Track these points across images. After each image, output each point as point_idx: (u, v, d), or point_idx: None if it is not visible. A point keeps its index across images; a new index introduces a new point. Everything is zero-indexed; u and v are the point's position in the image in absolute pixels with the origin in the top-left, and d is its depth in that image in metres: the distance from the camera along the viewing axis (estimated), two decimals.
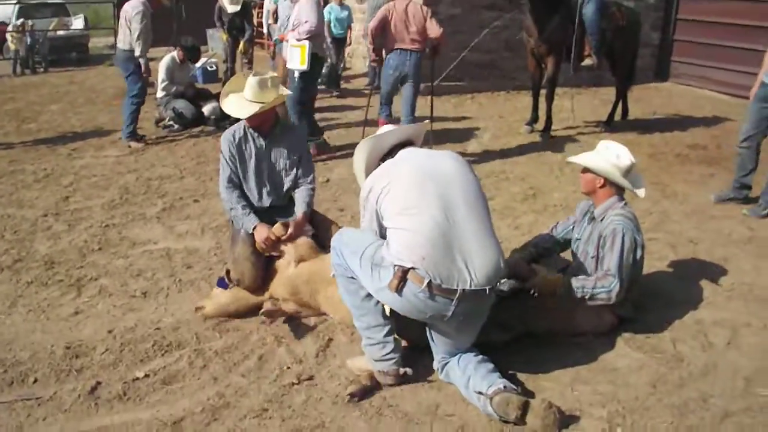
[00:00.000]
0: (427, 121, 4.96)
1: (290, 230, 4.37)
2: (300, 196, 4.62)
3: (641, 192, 4.26)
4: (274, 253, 4.44)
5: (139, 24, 8.34)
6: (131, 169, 7.75)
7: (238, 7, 11.59)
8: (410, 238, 3.33)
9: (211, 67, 13.32)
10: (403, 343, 3.77)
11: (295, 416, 3.44)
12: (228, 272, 4.47)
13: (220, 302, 4.40)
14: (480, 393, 3.39)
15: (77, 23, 22.03)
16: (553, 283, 3.94)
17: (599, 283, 3.85)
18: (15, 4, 21.47)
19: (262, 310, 4.24)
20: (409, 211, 3.39)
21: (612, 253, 3.92)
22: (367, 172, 3.85)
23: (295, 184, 4.66)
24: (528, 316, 3.99)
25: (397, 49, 7.66)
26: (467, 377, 3.49)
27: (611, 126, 9.70)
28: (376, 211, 3.55)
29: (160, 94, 9.63)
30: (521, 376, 3.72)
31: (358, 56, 14.18)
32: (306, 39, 7.34)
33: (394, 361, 3.63)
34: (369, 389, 3.60)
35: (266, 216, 4.50)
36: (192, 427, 3.38)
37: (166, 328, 4.30)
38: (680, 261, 5.27)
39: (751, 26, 11.81)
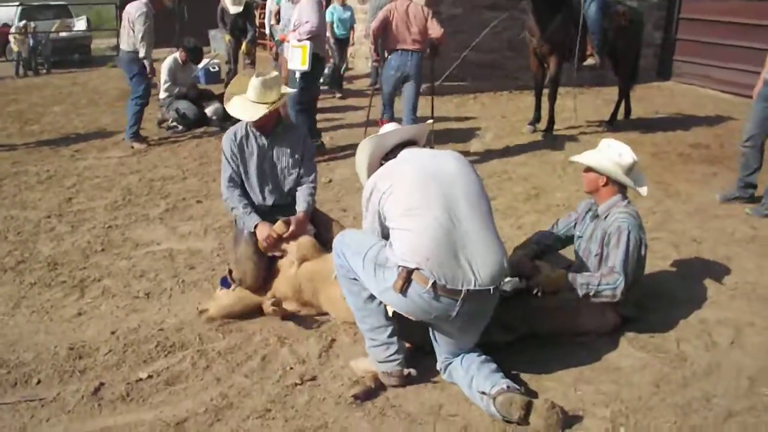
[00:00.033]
0: (431, 121, 4.95)
1: (291, 228, 4.36)
2: (301, 195, 4.63)
3: (643, 190, 4.26)
4: (276, 253, 4.44)
5: (143, 25, 8.36)
6: (134, 170, 7.76)
7: (240, 8, 11.59)
8: (414, 238, 3.33)
9: (214, 68, 13.34)
10: (406, 344, 3.77)
11: (298, 417, 3.44)
12: (231, 272, 4.47)
13: (224, 303, 4.40)
14: (483, 393, 3.39)
15: (80, 25, 22.11)
16: (556, 279, 3.93)
17: (604, 280, 3.84)
18: (17, 5, 21.53)
19: (268, 304, 4.25)
20: (412, 212, 3.38)
21: (617, 250, 3.91)
22: (369, 171, 3.85)
23: (297, 183, 4.67)
24: (531, 317, 3.99)
25: (398, 49, 7.68)
26: (470, 377, 3.49)
27: (614, 125, 9.69)
28: (379, 212, 3.55)
29: (162, 95, 9.65)
30: (524, 376, 3.72)
31: (361, 56, 14.19)
32: (307, 39, 7.34)
33: (398, 362, 3.63)
34: (373, 391, 3.59)
35: (269, 215, 4.50)
36: (195, 427, 3.38)
37: (169, 329, 4.30)
38: (683, 260, 5.26)
39: (753, 25, 11.79)
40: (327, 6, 12.80)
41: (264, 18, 14.92)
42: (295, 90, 6.75)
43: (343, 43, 12.27)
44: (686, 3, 13.63)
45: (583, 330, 4.05)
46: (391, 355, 3.62)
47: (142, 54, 8.47)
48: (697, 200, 6.69)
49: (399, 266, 3.33)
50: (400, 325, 3.65)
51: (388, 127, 4.03)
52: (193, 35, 11.28)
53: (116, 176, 7.55)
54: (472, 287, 3.30)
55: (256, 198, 4.61)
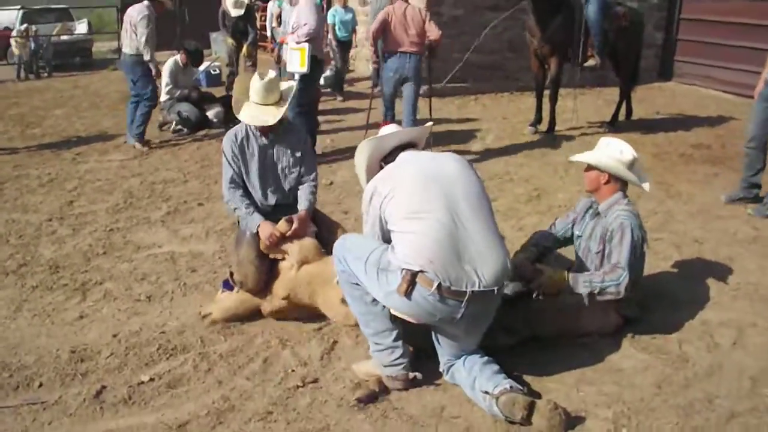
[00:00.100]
0: (430, 123, 4.95)
1: (294, 226, 4.36)
2: (303, 194, 4.63)
3: (646, 186, 4.27)
4: (278, 256, 4.44)
5: (145, 28, 8.39)
6: (135, 173, 7.77)
7: (242, 11, 11.60)
8: (417, 241, 3.33)
9: (215, 70, 13.35)
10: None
11: (300, 419, 3.44)
12: (232, 274, 4.47)
13: (226, 306, 4.40)
14: (486, 393, 3.38)
15: (81, 28, 22.14)
16: (558, 281, 3.93)
17: (607, 277, 3.83)
18: (19, 9, 21.55)
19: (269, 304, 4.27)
20: (415, 215, 3.38)
21: (621, 247, 3.91)
22: (368, 174, 3.85)
23: (298, 182, 4.67)
24: (533, 320, 3.98)
25: (396, 51, 7.72)
26: (473, 378, 3.48)
27: (615, 126, 9.68)
28: (380, 216, 3.54)
29: (163, 97, 9.65)
30: (526, 378, 3.71)
31: (362, 59, 14.20)
32: (305, 41, 7.36)
33: (403, 366, 3.62)
34: (376, 394, 3.59)
35: (272, 216, 4.49)
36: (197, 430, 3.38)
37: (170, 331, 4.30)
38: (685, 261, 5.26)
39: (754, 25, 11.79)
40: (328, 8, 12.85)
41: (264, 20, 14.96)
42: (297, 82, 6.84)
43: (345, 45, 12.24)
44: (687, 3, 13.63)
45: (585, 331, 4.05)
46: (396, 359, 3.62)
47: (147, 57, 8.51)
48: (699, 201, 6.68)
49: (402, 269, 3.32)
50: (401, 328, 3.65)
51: (387, 129, 4.02)
52: (194, 38, 11.31)
53: (117, 179, 7.55)
54: (476, 288, 3.30)
55: (258, 198, 4.61)
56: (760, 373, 3.77)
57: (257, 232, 4.38)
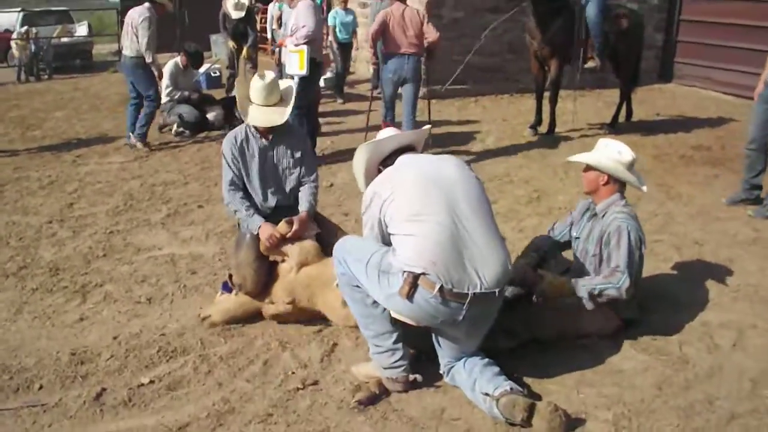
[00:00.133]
0: (428, 126, 4.97)
1: (294, 227, 4.36)
2: (303, 195, 4.64)
3: (645, 187, 4.27)
4: (277, 258, 4.44)
5: (147, 30, 8.41)
6: (135, 176, 7.77)
7: (242, 13, 11.60)
8: (419, 243, 3.32)
9: (215, 73, 13.35)
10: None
11: (300, 421, 3.44)
12: (231, 276, 4.47)
13: (226, 308, 4.40)
14: (486, 394, 3.38)
15: (81, 30, 22.14)
16: (559, 287, 3.94)
17: (607, 280, 3.84)
18: (19, 11, 21.56)
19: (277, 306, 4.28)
20: (416, 218, 3.38)
21: (619, 250, 3.91)
22: (367, 177, 3.85)
23: (299, 183, 4.67)
24: (534, 323, 3.98)
25: (395, 53, 7.77)
26: (473, 380, 3.48)
27: (615, 128, 9.67)
28: (380, 220, 3.53)
29: (164, 99, 9.65)
30: (526, 380, 3.71)
31: (362, 61, 14.20)
32: (304, 44, 7.37)
33: (403, 368, 3.62)
34: (377, 396, 3.59)
35: (272, 218, 4.50)
36: None
37: (171, 333, 4.30)
38: (685, 262, 5.26)
39: (754, 26, 11.79)
40: (328, 10, 12.85)
41: (265, 22, 14.96)
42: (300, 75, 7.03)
43: (345, 47, 12.23)
44: (687, 5, 13.63)
45: (585, 333, 4.05)
46: (396, 361, 3.61)
47: (149, 59, 8.53)
48: (699, 202, 6.68)
49: (404, 272, 3.31)
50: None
51: (385, 132, 4.02)
52: (194, 40, 11.31)
53: (118, 181, 7.55)
54: (478, 290, 3.30)
55: (259, 200, 4.62)
56: (760, 375, 3.77)
57: (257, 235, 4.38)
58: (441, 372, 3.68)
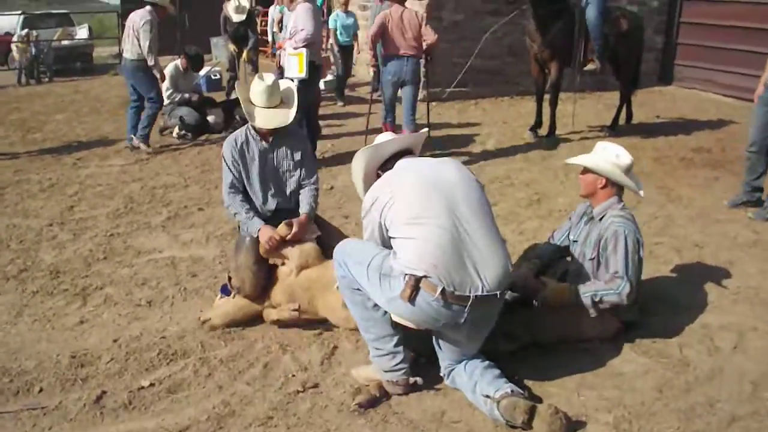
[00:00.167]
0: (425, 129, 4.98)
1: (294, 229, 4.36)
2: (304, 198, 4.64)
3: (643, 192, 4.27)
4: (277, 261, 4.44)
5: (149, 33, 8.42)
6: (136, 178, 7.77)
7: (243, 17, 11.62)
8: (421, 246, 3.32)
9: (215, 75, 13.36)
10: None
11: (301, 424, 3.44)
12: (230, 279, 4.47)
13: (226, 311, 4.40)
14: (487, 396, 3.38)
15: (81, 33, 22.19)
16: (561, 293, 3.94)
17: (608, 286, 3.84)
18: (20, 14, 21.61)
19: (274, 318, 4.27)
20: (416, 221, 3.37)
21: (616, 255, 3.91)
22: (366, 182, 3.86)
23: (299, 185, 4.67)
24: (534, 326, 3.98)
25: (395, 55, 7.84)
26: (474, 382, 3.48)
27: (616, 130, 9.67)
28: (380, 223, 3.53)
29: (164, 102, 9.66)
30: (527, 382, 3.71)
31: (362, 63, 14.19)
32: (303, 47, 7.39)
33: (404, 371, 3.62)
34: (377, 399, 3.58)
35: (273, 221, 4.49)
36: None
37: (171, 336, 4.30)
38: (685, 265, 5.26)
39: (754, 28, 11.79)
40: (329, 13, 12.84)
41: (265, 25, 14.97)
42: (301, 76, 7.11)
43: (346, 50, 12.21)
44: (687, 7, 13.63)
45: (585, 337, 4.04)
46: (397, 365, 3.61)
47: (151, 62, 8.55)
48: (699, 205, 6.68)
49: (406, 275, 3.31)
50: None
51: (383, 137, 4.02)
52: (194, 43, 11.33)
53: (118, 184, 7.56)
54: (479, 293, 3.30)
55: (259, 202, 4.62)
56: (760, 377, 3.77)
57: (256, 238, 4.38)
58: (441, 375, 3.68)
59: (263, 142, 4.57)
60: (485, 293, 3.31)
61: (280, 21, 11.80)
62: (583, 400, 3.59)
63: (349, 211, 6.51)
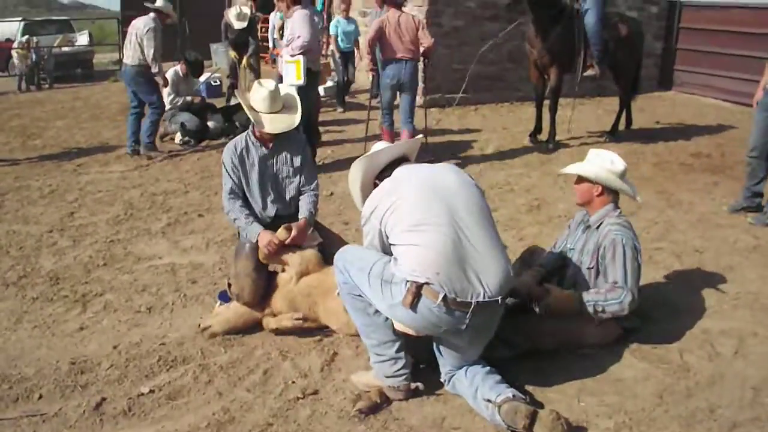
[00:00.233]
0: (420, 136, 4.98)
1: (293, 233, 4.36)
2: (304, 203, 4.64)
3: (639, 197, 4.27)
4: (277, 267, 4.44)
5: (152, 40, 8.45)
6: (136, 185, 7.78)
7: (245, 24, 11.65)
8: (422, 253, 3.32)
9: (215, 82, 13.38)
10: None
11: (301, 431, 3.43)
12: (230, 285, 4.47)
13: (226, 318, 4.39)
14: (488, 401, 3.38)
15: (82, 39, 22.18)
16: (565, 300, 3.94)
17: (609, 296, 3.85)
18: (20, 20, 21.63)
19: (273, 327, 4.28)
20: (417, 228, 3.37)
21: (615, 265, 3.91)
22: (363, 191, 3.86)
23: (298, 192, 4.68)
24: (534, 333, 3.98)
25: (393, 59, 7.93)
26: (475, 387, 3.48)
27: (615, 136, 9.69)
28: (380, 231, 3.53)
29: (166, 107, 9.66)
30: (527, 388, 3.70)
31: (362, 69, 14.20)
32: (299, 54, 7.41)
33: (405, 376, 3.62)
34: (378, 405, 3.58)
35: (272, 227, 4.49)
36: None
37: (171, 343, 4.30)
38: (686, 270, 5.26)
39: (753, 34, 11.83)
40: (329, 20, 12.85)
41: (266, 32, 14.98)
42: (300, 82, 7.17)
43: (347, 56, 12.20)
44: (686, 13, 13.67)
45: (585, 344, 4.04)
46: (398, 370, 3.61)
47: (155, 69, 8.58)
48: (699, 210, 6.68)
49: (407, 281, 3.31)
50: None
51: (379, 146, 4.02)
52: (194, 49, 11.35)
53: (118, 190, 7.56)
54: (481, 299, 3.29)
55: (258, 208, 4.62)
56: (761, 383, 3.77)
57: (256, 245, 4.38)
58: (442, 380, 3.68)
59: (263, 148, 4.58)
60: (486, 299, 3.31)
61: (281, 28, 11.78)
62: (584, 406, 3.58)
63: (349, 217, 6.51)
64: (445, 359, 3.62)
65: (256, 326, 4.40)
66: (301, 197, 4.67)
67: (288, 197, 4.67)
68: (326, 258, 4.38)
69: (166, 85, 9.15)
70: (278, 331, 4.31)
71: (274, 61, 12.16)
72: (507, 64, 12.36)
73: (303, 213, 4.59)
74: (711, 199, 6.99)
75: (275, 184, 4.64)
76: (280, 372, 3.95)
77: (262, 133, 4.54)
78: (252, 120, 4.52)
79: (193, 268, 5.46)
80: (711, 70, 12.82)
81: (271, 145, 4.58)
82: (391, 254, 3.48)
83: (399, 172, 3.71)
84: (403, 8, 8.09)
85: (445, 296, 3.25)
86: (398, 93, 8.21)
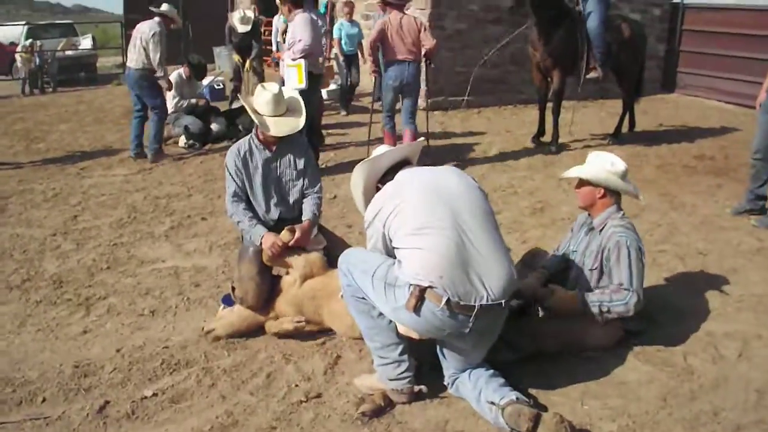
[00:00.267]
0: (422, 139, 4.99)
1: (297, 235, 4.36)
2: (307, 206, 4.64)
3: (642, 196, 4.27)
4: (281, 271, 4.44)
5: (158, 45, 8.47)
6: (139, 188, 7.79)
7: (249, 27, 11.67)
8: (426, 257, 3.31)
9: (218, 85, 13.39)
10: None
11: None
12: (234, 289, 4.47)
13: (230, 322, 4.39)
14: (492, 404, 3.38)
15: (85, 43, 22.25)
16: (569, 301, 3.93)
17: (615, 297, 3.84)
18: (24, 24, 21.69)
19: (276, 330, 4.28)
20: (421, 231, 3.37)
21: (620, 266, 3.90)
22: (366, 196, 3.86)
23: (302, 194, 4.68)
24: (538, 336, 3.97)
25: (395, 60, 7.95)
26: (478, 390, 3.48)
27: (619, 138, 9.68)
28: (384, 234, 3.53)
29: (170, 110, 9.67)
30: (531, 391, 3.70)
31: (365, 72, 14.22)
32: (301, 58, 7.42)
33: (408, 379, 3.62)
34: (381, 408, 3.58)
35: (276, 231, 4.49)
36: None
37: (174, 346, 4.30)
38: (689, 273, 5.25)
39: (756, 36, 11.82)
40: (332, 22, 12.86)
41: (269, 35, 15.00)
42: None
43: (351, 59, 12.21)
44: (689, 15, 13.67)
45: (587, 346, 4.03)
46: (402, 373, 3.61)
47: (161, 73, 8.62)
48: (703, 212, 6.67)
49: (411, 285, 3.31)
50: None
51: (380, 149, 4.02)
52: (197, 53, 11.37)
53: (121, 194, 7.57)
54: (484, 302, 3.29)
55: (261, 211, 4.62)
56: (765, 386, 3.76)
57: (260, 248, 4.38)
58: (445, 383, 3.67)
59: (267, 151, 4.58)
60: (490, 302, 3.30)
61: (285, 31, 11.81)
62: (588, 409, 3.57)
63: (352, 220, 6.51)
64: (449, 362, 3.62)
65: (259, 329, 4.40)
66: (304, 200, 4.67)
67: (291, 200, 4.67)
68: (330, 261, 4.38)
69: (170, 88, 9.18)
70: (281, 335, 4.31)
71: (277, 65, 12.18)
72: (510, 66, 12.37)
73: (307, 215, 4.59)
74: (714, 202, 6.98)
75: (278, 187, 4.64)
76: (284, 375, 3.95)
77: (265, 136, 4.54)
78: (257, 123, 4.52)
79: (197, 271, 5.46)
80: (714, 73, 12.82)
81: (274, 148, 4.59)
82: (395, 257, 3.48)
83: (401, 175, 3.71)
84: (405, 11, 8.10)
85: (448, 300, 3.25)
86: (400, 96, 8.21)
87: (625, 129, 9.99)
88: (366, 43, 8.59)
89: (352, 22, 12.10)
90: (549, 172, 8.18)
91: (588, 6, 8.74)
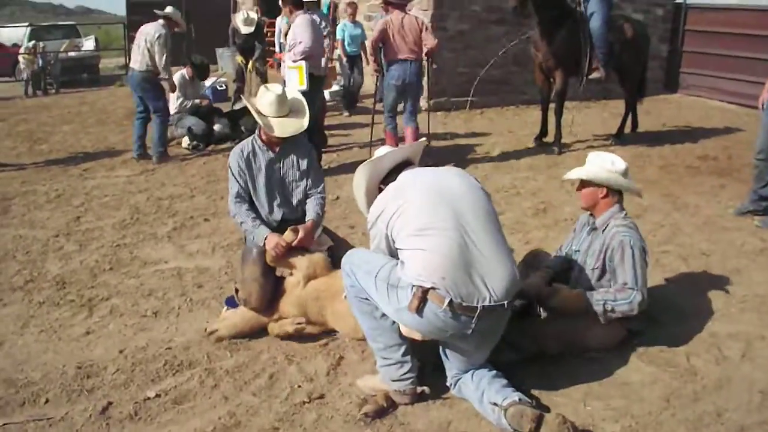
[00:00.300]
0: (423, 139, 4.98)
1: (300, 235, 4.36)
2: (310, 206, 4.64)
3: (644, 195, 4.26)
4: (285, 272, 4.44)
5: (163, 47, 8.49)
6: (142, 189, 7.79)
7: (252, 28, 11.69)
8: (428, 258, 3.31)
9: (221, 86, 13.41)
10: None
11: None
12: (237, 291, 4.47)
13: (233, 323, 4.39)
14: (495, 405, 3.37)
15: (88, 44, 22.30)
16: (574, 300, 3.93)
17: (619, 296, 3.83)
18: (27, 26, 21.74)
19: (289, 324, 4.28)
20: (424, 232, 3.36)
21: (624, 266, 3.90)
22: (368, 197, 3.86)
23: (305, 195, 4.67)
24: (540, 337, 3.97)
25: (397, 59, 7.99)
26: (481, 391, 3.47)
27: (621, 139, 9.68)
28: (387, 235, 3.53)
29: (174, 111, 9.69)
30: (533, 392, 3.69)
31: (367, 74, 14.21)
32: (301, 59, 7.42)
33: (411, 380, 3.62)
34: (384, 409, 3.57)
35: (279, 232, 4.49)
36: None
37: (177, 347, 4.30)
38: (692, 273, 5.24)
39: (759, 36, 11.81)
40: (335, 23, 12.86)
41: (272, 36, 15.01)
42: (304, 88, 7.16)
43: (354, 60, 12.20)
44: (692, 15, 13.66)
45: (589, 346, 4.03)
46: (404, 374, 3.61)
47: (165, 75, 8.65)
48: (706, 213, 6.66)
49: (413, 286, 3.31)
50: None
51: (382, 150, 4.02)
52: (200, 54, 11.38)
53: (124, 195, 7.58)
54: (487, 303, 3.29)
55: (264, 212, 4.62)
56: None
57: (263, 250, 4.38)
58: (448, 384, 3.67)
59: (270, 152, 4.58)
60: (493, 303, 3.30)
61: (287, 32, 11.83)
62: (590, 410, 3.57)
63: (355, 221, 6.51)
64: (452, 363, 3.61)
65: (262, 330, 4.40)
66: (307, 200, 4.67)
67: (295, 201, 4.67)
68: (334, 261, 4.37)
69: (173, 90, 9.19)
70: (282, 336, 4.31)
71: (279, 66, 12.20)
72: (512, 67, 12.37)
73: (310, 215, 4.59)
74: (717, 202, 6.98)
75: (282, 188, 4.64)
76: (286, 376, 3.95)
77: (269, 137, 4.53)
78: (261, 124, 4.52)
79: (199, 272, 5.47)
80: (717, 73, 12.81)
81: (277, 149, 4.59)
82: (399, 258, 3.48)
83: (404, 176, 3.70)
84: (407, 11, 8.12)
85: (450, 301, 3.25)
86: (402, 93, 8.21)
87: (627, 129, 9.99)
88: (368, 44, 8.62)
89: (355, 22, 12.11)
90: (552, 173, 8.18)
91: (590, 6, 8.73)
